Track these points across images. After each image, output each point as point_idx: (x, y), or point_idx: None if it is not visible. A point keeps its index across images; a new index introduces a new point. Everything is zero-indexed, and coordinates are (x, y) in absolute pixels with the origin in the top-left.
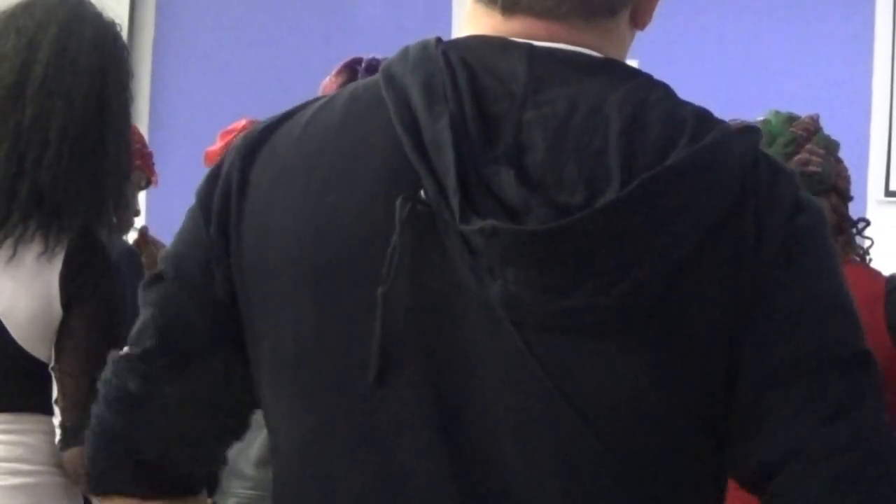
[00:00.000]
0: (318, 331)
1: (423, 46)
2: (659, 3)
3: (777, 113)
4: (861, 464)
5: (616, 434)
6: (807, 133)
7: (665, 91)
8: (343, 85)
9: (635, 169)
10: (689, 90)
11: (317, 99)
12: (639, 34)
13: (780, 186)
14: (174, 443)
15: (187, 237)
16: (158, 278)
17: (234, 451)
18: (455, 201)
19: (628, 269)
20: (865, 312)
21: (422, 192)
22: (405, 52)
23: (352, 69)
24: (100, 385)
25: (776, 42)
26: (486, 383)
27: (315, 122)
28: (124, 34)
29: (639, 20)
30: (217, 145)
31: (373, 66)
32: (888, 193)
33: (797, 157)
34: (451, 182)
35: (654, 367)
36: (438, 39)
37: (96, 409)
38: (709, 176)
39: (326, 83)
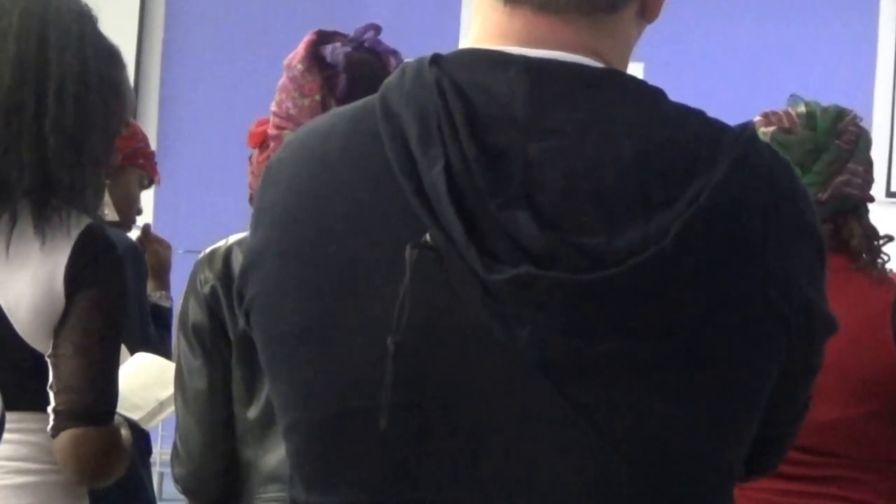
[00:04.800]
0: (326, 377)
1: (418, 71)
2: (664, 6)
3: (824, 110)
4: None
5: (655, 471)
6: (851, 146)
7: (664, 100)
8: (323, 84)
9: (654, 204)
10: (692, 92)
11: (303, 136)
12: (643, 36)
13: (800, 210)
14: None
15: None
16: None
17: (266, 455)
18: (471, 253)
19: (664, 314)
20: (875, 321)
21: (427, 237)
22: (402, 75)
23: (319, 59)
24: None
25: (779, 44)
26: (510, 425)
27: (312, 158)
28: (134, 37)
29: (648, 13)
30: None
31: (350, 60)
32: (889, 194)
33: (839, 179)
34: (457, 232)
35: (693, 407)
36: (433, 60)
37: None
38: (734, 210)
39: (301, 81)
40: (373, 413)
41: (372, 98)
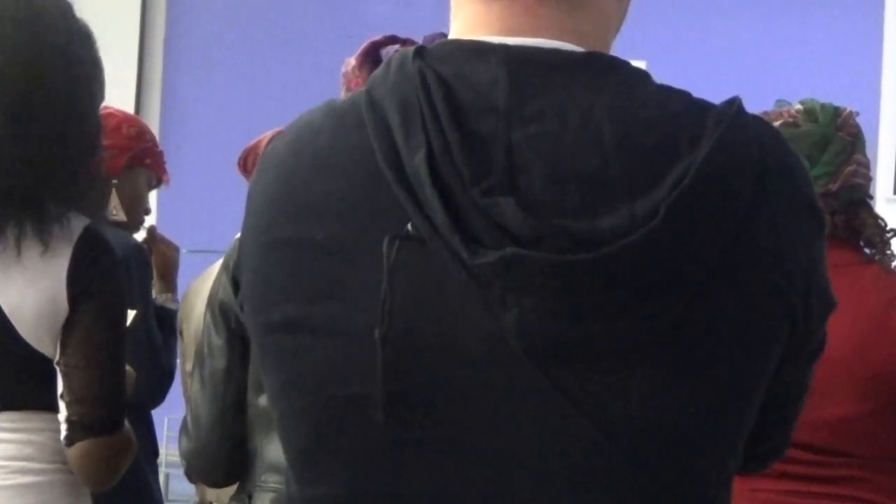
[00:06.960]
0: (312, 368)
1: (402, 62)
2: (668, 4)
3: (822, 105)
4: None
5: (647, 457)
6: (853, 138)
7: (647, 81)
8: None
9: (639, 186)
10: (697, 89)
11: (292, 127)
12: (646, 33)
13: (794, 181)
14: None
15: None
16: None
17: (270, 445)
18: (455, 239)
19: (654, 295)
20: (883, 316)
21: (409, 227)
22: (387, 67)
23: (374, 58)
24: None
25: (785, 41)
26: (498, 413)
27: (300, 148)
28: (135, 34)
29: None
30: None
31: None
32: None
33: (848, 169)
34: (440, 219)
35: (686, 390)
36: (416, 52)
37: None
38: (722, 186)
39: (350, 76)
40: (359, 404)
41: (360, 92)
